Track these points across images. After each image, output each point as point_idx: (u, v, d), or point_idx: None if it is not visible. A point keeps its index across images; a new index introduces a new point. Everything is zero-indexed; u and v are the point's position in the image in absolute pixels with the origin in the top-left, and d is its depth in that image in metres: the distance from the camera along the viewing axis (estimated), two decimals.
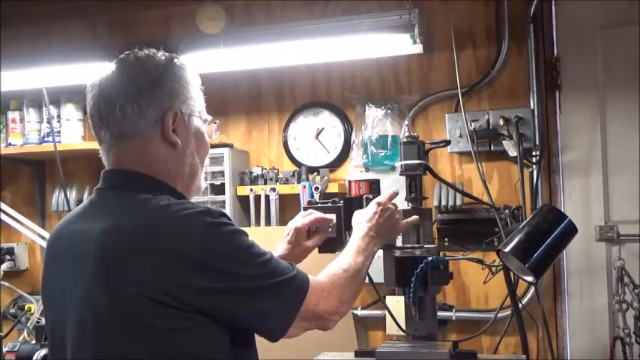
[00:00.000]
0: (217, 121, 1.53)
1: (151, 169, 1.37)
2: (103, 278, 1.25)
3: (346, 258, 1.54)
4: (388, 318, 2.33)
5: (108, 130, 1.38)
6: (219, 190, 2.94)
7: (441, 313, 2.55)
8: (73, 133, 3.19)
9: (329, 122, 3.02)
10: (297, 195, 2.88)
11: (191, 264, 1.24)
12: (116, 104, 1.35)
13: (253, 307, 1.29)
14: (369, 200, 1.85)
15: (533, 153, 2.71)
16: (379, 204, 1.74)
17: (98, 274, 1.26)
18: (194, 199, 1.46)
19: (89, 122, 1.43)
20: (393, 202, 1.79)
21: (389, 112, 2.88)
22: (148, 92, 1.36)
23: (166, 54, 1.44)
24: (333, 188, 2.87)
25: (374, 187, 1.98)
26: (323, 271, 1.47)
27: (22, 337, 3.03)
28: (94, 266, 1.26)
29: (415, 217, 1.88)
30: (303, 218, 1.84)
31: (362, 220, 1.72)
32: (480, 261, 2.27)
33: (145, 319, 1.23)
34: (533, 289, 2.61)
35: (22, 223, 2.95)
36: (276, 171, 2.99)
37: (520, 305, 2.38)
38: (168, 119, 1.37)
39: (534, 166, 2.71)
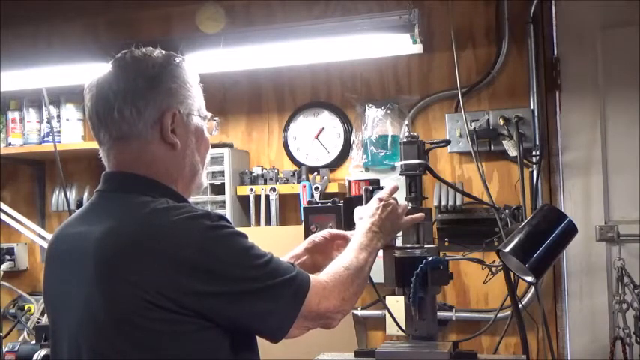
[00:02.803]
0: (217, 119, 1.52)
1: (150, 170, 1.37)
2: (102, 280, 1.25)
3: (348, 255, 1.54)
4: (388, 318, 2.33)
5: (107, 132, 1.37)
6: (219, 190, 2.94)
7: (441, 313, 2.56)
8: (73, 133, 3.19)
9: (329, 122, 3.02)
10: (297, 195, 2.88)
11: (190, 267, 1.23)
12: (114, 106, 1.34)
13: (253, 309, 1.28)
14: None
15: (533, 153, 2.71)
16: (381, 199, 1.73)
17: (97, 275, 1.25)
18: (193, 199, 1.45)
19: (88, 123, 1.42)
20: (393, 197, 1.77)
21: (389, 112, 2.87)
22: (146, 93, 1.35)
23: (163, 52, 1.43)
24: (333, 188, 2.87)
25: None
26: (325, 269, 1.47)
27: (22, 337, 3.04)
28: (94, 268, 1.26)
29: (421, 214, 1.86)
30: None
31: (364, 215, 1.71)
32: (480, 261, 2.26)
33: (143, 322, 1.22)
34: (533, 289, 2.61)
35: (22, 223, 2.95)
36: (276, 171, 2.99)
37: (520, 305, 2.38)
38: (167, 120, 1.36)
39: (534, 166, 2.71)
